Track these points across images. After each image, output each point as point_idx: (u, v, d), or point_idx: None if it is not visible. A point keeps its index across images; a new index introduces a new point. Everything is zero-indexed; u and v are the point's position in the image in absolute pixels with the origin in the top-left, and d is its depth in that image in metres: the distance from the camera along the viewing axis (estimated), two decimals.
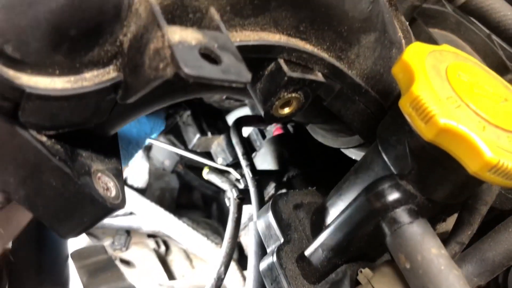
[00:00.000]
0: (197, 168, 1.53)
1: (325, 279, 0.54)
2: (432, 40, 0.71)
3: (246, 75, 0.34)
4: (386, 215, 0.47)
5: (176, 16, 0.38)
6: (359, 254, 0.54)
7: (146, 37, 0.35)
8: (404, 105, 0.44)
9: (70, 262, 0.77)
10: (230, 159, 1.15)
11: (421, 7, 0.70)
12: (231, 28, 0.42)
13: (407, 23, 0.58)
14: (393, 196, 0.47)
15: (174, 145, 1.39)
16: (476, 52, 0.80)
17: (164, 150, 1.40)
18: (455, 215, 0.59)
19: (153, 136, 0.71)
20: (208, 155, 1.22)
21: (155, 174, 1.47)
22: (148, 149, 1.33)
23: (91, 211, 0.42)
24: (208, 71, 0.32)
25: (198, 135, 1.15)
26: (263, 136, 1.10)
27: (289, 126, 0.98)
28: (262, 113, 0.48)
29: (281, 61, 0.44)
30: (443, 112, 0.41)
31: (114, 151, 0.49)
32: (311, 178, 0.75)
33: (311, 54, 0.47)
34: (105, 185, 0.45)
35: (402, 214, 0.46)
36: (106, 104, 0.39)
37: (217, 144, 1.15)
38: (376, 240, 0.51)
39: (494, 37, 0.79)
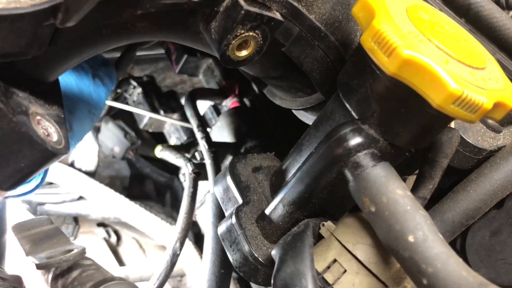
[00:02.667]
0: (150, 158, 1.47)
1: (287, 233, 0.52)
2: None
3: None
4: (348, 161, 0.45)
5: None
6: (321, 209, 0.52)
7: None
8: (366, 40, 0.42)
9: (8, 238, 0.71)
10: (184, 138, 1.11)
11: None
12: None
13: None
14: (355, 140, 0.45)
15: (123, 130, 1.34)
16: None
17: (113, 136, 1.33)
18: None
19: (110, 88, 0.68)
20: (160, 135, 1.18)
21: (104, 161, 1.40)
22: (97, 130, 1.27)
23: (30, 154, 0.38)
24: None
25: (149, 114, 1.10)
26: (218, 115, 1.07)
27: (246, 100, 0.95)
28: (218, 56, 0.45)
29: None
30: (406, 44, 0.40)
31: (56, 99, 0.45)
32: (269, 149, 0.73)
33: None
34: (46, 130, 0.40)
35: (365, 158, 0.45)
36: (44, 30, 0.35)
37: (170, 123, 1.11)
38: (338, 191, 0.49)
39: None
